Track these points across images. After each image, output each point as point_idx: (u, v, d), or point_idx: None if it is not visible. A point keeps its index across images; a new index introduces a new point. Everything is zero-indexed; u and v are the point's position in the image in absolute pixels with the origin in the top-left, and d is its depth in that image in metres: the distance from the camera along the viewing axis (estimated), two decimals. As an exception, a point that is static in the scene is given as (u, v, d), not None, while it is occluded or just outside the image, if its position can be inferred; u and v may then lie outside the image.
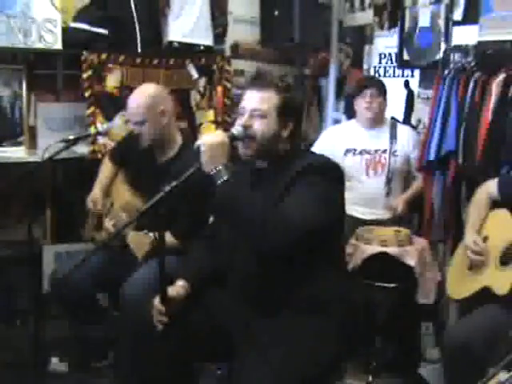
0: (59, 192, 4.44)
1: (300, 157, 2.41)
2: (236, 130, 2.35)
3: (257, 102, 2.38)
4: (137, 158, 3.42)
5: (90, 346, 3.56)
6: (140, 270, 3.09)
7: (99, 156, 4.05)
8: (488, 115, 3.40)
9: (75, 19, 4.10)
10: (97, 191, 3.51)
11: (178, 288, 2.48)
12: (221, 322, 2.46)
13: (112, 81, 4.20)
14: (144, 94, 3.24)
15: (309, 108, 5.23)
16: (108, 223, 3.29)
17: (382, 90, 3.98)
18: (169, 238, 3.03)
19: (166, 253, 2.33)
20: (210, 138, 2.28)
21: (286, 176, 2.32)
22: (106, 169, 3.62)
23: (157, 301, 2.40)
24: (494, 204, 2.90)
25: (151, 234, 2.93)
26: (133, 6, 4.17)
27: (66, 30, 4.00)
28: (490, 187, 2.93)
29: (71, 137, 3.28)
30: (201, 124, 4.63)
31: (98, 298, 3.54)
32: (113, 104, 4.13)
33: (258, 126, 2.35)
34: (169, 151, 3.32)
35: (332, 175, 2.38)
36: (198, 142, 2.26)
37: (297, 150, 2.48)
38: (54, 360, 3.56)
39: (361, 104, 3.96)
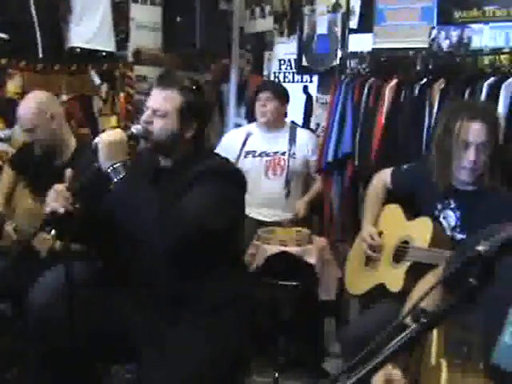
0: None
1: (203, 158, 2.42)
2: (135, 128, 2.36)
3: (159, 103, 2.38)
4: (34, 163, 3.39)
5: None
6: (46, 276, 3.05)
7: (0, 163, 3.99)
8: (382, 119, 3.56)
9: (-27, 24, 4.03)
10: None
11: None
12: (123, 323, 2.42)
13: (13, 86, 4.15)
14: (32, 101, 3.23)
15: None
16: (8, 227, 3.24)
17: (277, 94, 3.99)
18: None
19: (72, 257, 2.33)
20: (107, 135, 2.26)
21: (187, 176, 2.32)
22: (7, 176, 3.57)
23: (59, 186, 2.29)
24: (389, 194, 3.00)
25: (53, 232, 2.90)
26: (33, 10, 4.14)
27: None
28: (385, 175, 3.02)
29: (-30, 143, 3.23)
30: (104, 130, 4.62)
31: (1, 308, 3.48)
32: (14, 110, 4.01)
33: (157, 125, 2.36)
34: (64, 154, 3.30)
35: (232, 178, 2.40)
36: (96, 140, 2.25)
37: (201, 151, 2.49)
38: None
39: (257, 108, 4.01)
